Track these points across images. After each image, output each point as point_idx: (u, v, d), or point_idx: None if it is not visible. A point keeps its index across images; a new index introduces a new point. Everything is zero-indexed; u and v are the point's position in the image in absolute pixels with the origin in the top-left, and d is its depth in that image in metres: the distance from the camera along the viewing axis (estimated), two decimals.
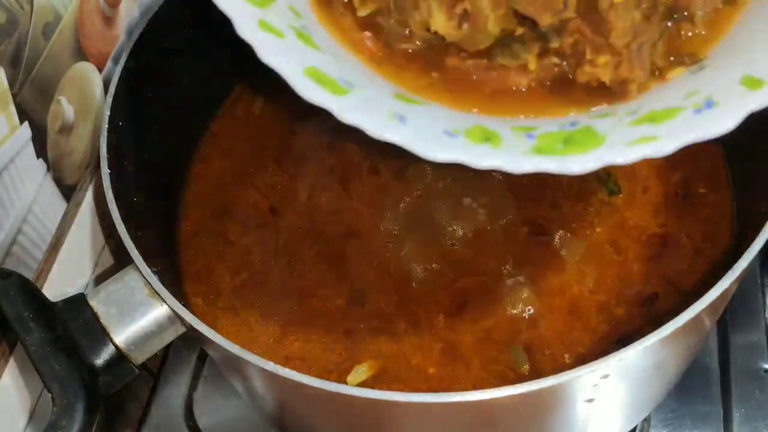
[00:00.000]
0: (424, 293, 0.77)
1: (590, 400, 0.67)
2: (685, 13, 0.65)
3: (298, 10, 0.66)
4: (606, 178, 0.80)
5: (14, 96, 0.73)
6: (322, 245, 0.82)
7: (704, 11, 0.65)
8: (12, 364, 0.76)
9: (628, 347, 0.61)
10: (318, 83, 0.58)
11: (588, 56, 0.62)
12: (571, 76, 0.64)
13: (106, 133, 0.76)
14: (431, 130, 0.58)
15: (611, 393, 0.69)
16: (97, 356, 0.70)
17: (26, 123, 0.75)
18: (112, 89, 0.78)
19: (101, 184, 0.74)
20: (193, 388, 0.91)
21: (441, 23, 0.63)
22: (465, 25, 0.64)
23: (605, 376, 0.63)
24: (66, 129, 0.81)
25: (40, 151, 0.77)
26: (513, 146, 0.58)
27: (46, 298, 0.72)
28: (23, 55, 0.74)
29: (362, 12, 0.67)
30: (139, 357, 0.72)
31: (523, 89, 0.64)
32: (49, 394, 0.67)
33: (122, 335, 0.70)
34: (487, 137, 0.59)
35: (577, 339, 0.74)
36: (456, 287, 0.77)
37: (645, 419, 0.83)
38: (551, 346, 0.74)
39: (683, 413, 0.84)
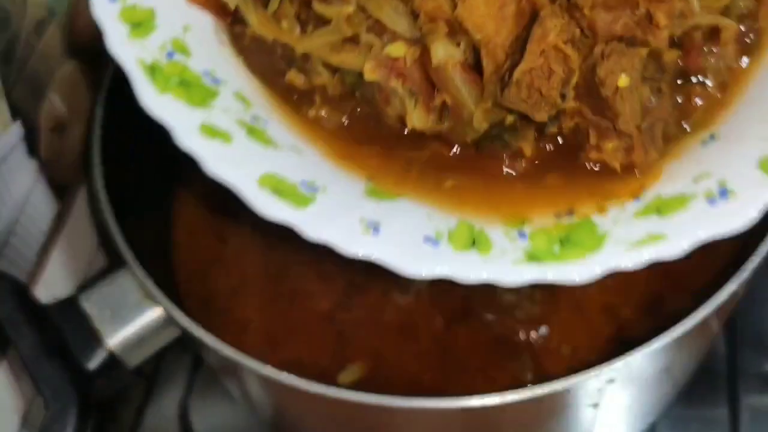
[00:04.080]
0: (425, 296, 0.76)
1: (595, 405, 0.65)
2: (696, 79, 0.58)
3: (248, 98, 0.59)
4: None
5: (6, 94, 0.72)
6: (317, 246, 0.80)
7: (718, 71, 0.58)
8: (4, 367, 0.75)
9: (634, 351, 0.60)
10: (276, 194, 0.52)
11: (593, 141, 0.55)
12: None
13: (98, 132, 0.75)
14: (410, 239, 0.52)
15: (616, 398, 0.68)
16: (90, 359, 0.69)
17: (19, 121, 0.74)
18: (105, 86, 0.78)
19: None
20: (188, 392, 0.90)
21: (419, 119, 0.56)
22: (446, 119, 0.57)
23: (611, 380, 0.62)
24: (59, 127, 0.80)
25: (33, 149, 0.77)
26: (503, 252, 0.52)
27: (38, 301, 0.72)
28: (16, 52, 0.73)
29: (331, 121, 0.59)
30: (132, 360, 0.71)
31: (516, 174, 0.57)
32: (42, 399, 0.66)
33: (115, 338, 0.69)
34: (474, 240, 0.52)
35: (581, 342, 0.73)
36: (456, 292, 0.76)
37: (650, 424, 0.82)
38: (555, 350, 0.73)
39: (690, 417, 0.83)
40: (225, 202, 0.85)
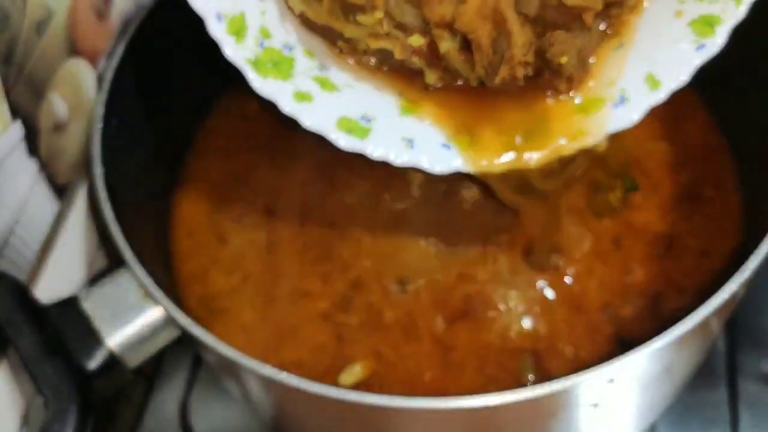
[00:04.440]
0: (425, 296, 0.76)
1: (595, 405, 0.66)
2: (621, 7, 0.72)
3: (312, 51, 0.75)
4: (623, 175, 0.80)
5: (6, 93, 0.72)
6: (317, 246, 0.81)
7: None
8: (4, 367, 0.74)
9: (634, 351, 0.60)
10: (349, 132, 0.71)
11: (547, 76, 0.73)
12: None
13: (98, 132, 0.75)
14: (433, 146, 0.72)
15: (616, 398, 0.68)
16: (90, 359, 0.69)
17: (19, 121, 0.74)
18: (105, 86, 0.78)
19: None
20: (188, 392, 0.90)
21: (432, 79, 0.75)
22: (449, 75, 0.76)
23: (611, 380, 0.62)
24: (59, 127, 0.80)
25: (33, 149, 0.76)
26: (489, 147, 0.72)
27: (38, 301, 0.71)
28: (16, 52, 0.73)
29: (370, 63, 0.76)
30: (133, 360, 0.71)
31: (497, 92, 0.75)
32: (42, 399, 0.67)
33: (115, 338, 0.69)
34: (470, 141, 0.72)
35: (581, 342, 0.73)
36: (457, 292, 0.76)
37: (650, 424, 0.82)
38: (554, 350, 0.73)
39: (690, 417, 0.83)
40: (225, 200, 0.87)
